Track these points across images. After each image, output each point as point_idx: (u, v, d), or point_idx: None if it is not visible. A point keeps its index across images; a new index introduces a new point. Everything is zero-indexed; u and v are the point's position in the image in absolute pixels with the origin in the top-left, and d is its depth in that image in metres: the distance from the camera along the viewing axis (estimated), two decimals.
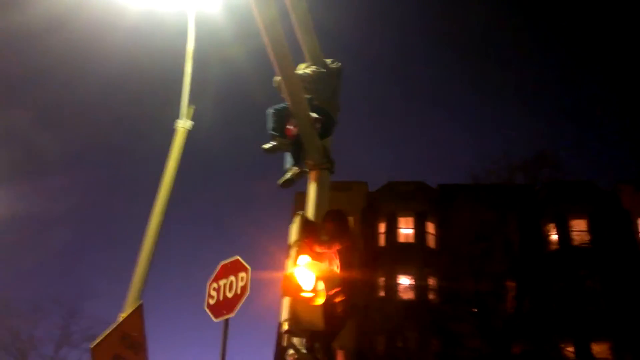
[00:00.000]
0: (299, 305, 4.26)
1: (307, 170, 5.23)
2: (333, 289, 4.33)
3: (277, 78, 5.41)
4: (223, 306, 6.05)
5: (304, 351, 4.31)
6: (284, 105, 5.16)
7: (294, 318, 4.25)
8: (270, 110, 5.28)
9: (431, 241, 28.08)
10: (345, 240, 4.62)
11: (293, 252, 4.50)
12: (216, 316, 6.12)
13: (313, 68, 5.27)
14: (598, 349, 23.92)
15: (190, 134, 8.43)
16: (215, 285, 6.33)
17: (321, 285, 4.27)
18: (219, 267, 6.46)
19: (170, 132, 8.21)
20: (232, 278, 6.09)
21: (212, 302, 6.23)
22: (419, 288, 25.84)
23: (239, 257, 6.25)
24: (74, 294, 39.67)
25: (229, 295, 6.04)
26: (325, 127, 5.16)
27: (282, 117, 5.21)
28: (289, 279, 4.26)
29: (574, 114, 76.41)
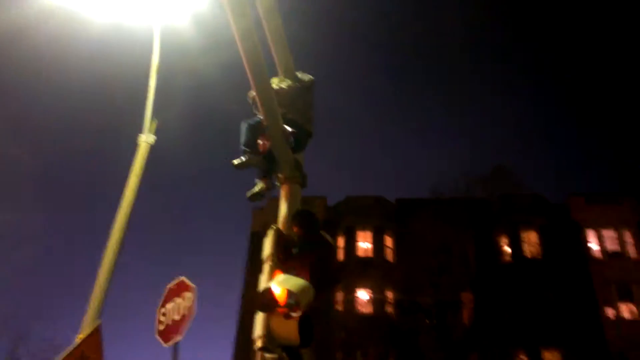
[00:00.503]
0: (274, 321, 4.20)
1: (277, 184, 5.19)
2: (308, 303, 4.29)
3: (252, 93, 5.37)
4: (171, 330, 5.88)
5: None
6: (257, 119, 5.11)
7: (268, 334, 4.17)
8: (244, 125, 5.22)
9: (390, 255, 28.34)
10: (317, 252, 4.56)
11: (266, 266, 4.44)
12: (165, 341, 5.93)
13: (288, 82, 5.25)
14: (549, 356, 24.65)
15: (155, 147, 8.25)
16: (163, 310, 6.15)
17: (296, 300, 4.22)
18: (165, 291, 6.29)
19: (135, 145, 8.02)
20: (179, 300, 5.94)
21: (161, 327, 6.05)
22: (378, 302, 25.98)
23: (184, 278, 6.09)
24: (24, 315, 37.70)
25: (177, 317, 5.87)
26: (299, 140, 5.14)
27: (256, 131, 5.15)
28: (263, 295, 4.19)
29: (530, 129, 79.38)
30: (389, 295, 26.26)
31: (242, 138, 5.19)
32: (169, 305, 6.21)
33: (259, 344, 4.18)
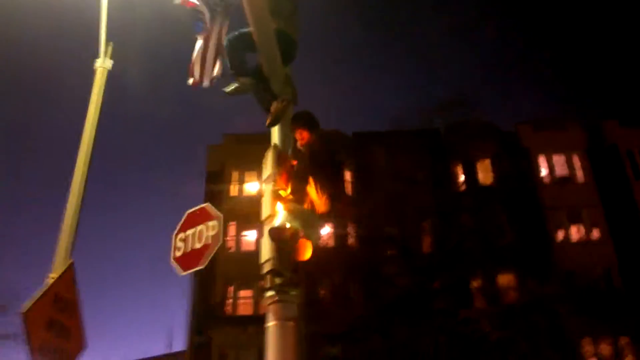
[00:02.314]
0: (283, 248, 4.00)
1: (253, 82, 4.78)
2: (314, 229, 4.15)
3: None
4: (192, 257, 5.49)
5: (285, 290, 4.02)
6: (235, 33, 4.65)
7: (276, 257, 3.96)
8: (228, 45, 4.75)
9: (349, 189, 28.48)
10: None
11: (269, 188, 4.15)
12: (185, 269, 5.55)
13: None
14: (504, 279, 25.85)
15: (112, 75, 7.60)
16: (182, 235, 5.71)
17: (302, 232, 4.04)
18: (185, 216, 5.84)
19: (90, 74, 7.36)
20: (202, 227, 5.52)
21: (178, 254, 5.64)
22: (340, 235, 26.26)
23: (208, 204, 5.66)
24: None
25: (198, 245, 5.48)
26: (288, 52, 4.68)
27: (238, 48, 4.70)
28: (275, 231, 3.97)
29: (485, 60, 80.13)
30: (351, 228, 26.57)
31: (230, 61, 4.73)
32: (189, 232, 5.74)
33: (266, 268, 3.97)
